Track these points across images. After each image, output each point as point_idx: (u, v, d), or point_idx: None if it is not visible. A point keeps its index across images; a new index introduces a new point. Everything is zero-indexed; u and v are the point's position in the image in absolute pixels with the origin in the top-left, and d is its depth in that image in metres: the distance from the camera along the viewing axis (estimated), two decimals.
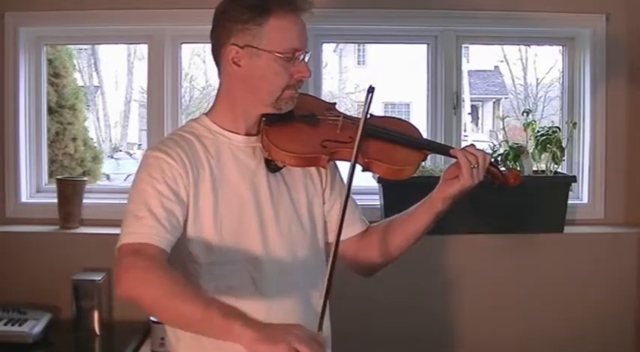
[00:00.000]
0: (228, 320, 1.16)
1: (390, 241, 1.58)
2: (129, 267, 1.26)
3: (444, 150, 1.55)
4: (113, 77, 6.36)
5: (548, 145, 2.57)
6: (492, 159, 1.52)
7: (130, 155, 5.72)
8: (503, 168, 1.58)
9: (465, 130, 4.33)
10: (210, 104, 1.54)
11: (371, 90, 1.44)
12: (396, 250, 1.59)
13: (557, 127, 2.64)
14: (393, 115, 1.73)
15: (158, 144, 1.44)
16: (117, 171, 4.83)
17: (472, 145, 1.51)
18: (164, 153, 1.40)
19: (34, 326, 2.25)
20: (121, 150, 6.02)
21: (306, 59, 1.45)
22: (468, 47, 4.19)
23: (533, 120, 2.64)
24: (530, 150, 2.59)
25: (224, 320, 1.16)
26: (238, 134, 1.48)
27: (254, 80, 1.42)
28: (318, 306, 1.49)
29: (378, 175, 1.61)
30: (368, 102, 1.44)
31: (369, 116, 1.59)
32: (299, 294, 1.47)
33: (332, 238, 1.59)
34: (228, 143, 1.47)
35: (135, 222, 1.33)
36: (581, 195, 2.77)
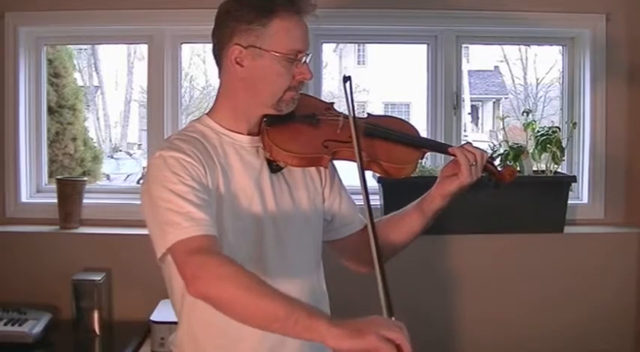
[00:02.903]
0: (313, 319, 1.13)
1: (388, 238, 1.58)
2: (201, 266, 1.21)
3: (442, 148, 1.56)
4: (113, 77, 6.37)
5: (548, 145, 2.57)
6: (489, 156, 1.53)
7: (130, 155, 5.72)
8: (499, 165, 1.59)
9: (465, 130, 4.33)
10: (211, 104, 1.53)
11: (346, 79, 1.41)
12: (394, 247, 1.59)
13: (557, 127, 2.65)
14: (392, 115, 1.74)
15: (170, 145, 1.40)
16: (117, 171, 4.83)
17: (469, 143, 1.52)
18: (180, 152, 1.36)
19: (34, 326, 2.25)
20: (121, 150, 6.02)
21: (308, 61, 1.45)
22: (468, 47, 4.20)
23: (533, 120, 2.65)
24: (530, 150, 2.59)
25: (309, 318, 1.14)
26: (241, 134, 1.48)
27: (256, 80, 1.42)
28: (320, 303, 1.51)
29: (378, 174, 1.61)
30: (349, 93, 1.41)
31: (366, 115, 1.60)
32: (301, 291, 1.47)
33: (331, 237, 1.60)
34: (233, 143, 1.47)
35: (180, 217, 1.27)
36: (581, 195, 2.77)
